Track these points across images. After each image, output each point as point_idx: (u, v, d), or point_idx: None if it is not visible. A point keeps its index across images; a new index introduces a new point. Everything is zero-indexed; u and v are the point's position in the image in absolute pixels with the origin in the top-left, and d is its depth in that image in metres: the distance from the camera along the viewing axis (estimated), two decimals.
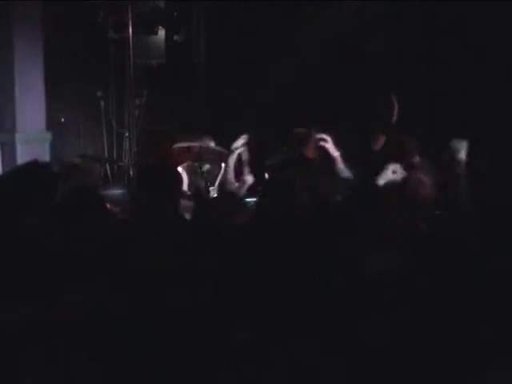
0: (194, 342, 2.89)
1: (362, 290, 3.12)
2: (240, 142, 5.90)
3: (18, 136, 7.70)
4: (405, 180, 4.27)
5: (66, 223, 3.36)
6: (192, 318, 2.96)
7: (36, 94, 7.88)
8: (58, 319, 2.81)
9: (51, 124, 8.13)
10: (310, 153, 6.08)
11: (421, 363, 2.89)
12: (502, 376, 2.88)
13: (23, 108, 7.80)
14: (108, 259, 3.16)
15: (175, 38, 9.59)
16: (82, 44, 8.83)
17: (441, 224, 3.71)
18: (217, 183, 6.39)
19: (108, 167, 8.98)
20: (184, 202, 4.63)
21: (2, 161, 7.67)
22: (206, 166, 6.47)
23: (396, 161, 5.20)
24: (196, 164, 6.44)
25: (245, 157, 5.99)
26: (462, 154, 5.20)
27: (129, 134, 9.16)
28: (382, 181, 4.87)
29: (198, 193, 5.55)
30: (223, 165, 6.26)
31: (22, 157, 7.50)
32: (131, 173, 8.77)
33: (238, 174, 6.03)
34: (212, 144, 6.72)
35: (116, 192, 8.07)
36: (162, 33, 9.36)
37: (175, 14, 9.51)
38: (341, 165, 5.70)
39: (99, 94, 9.19)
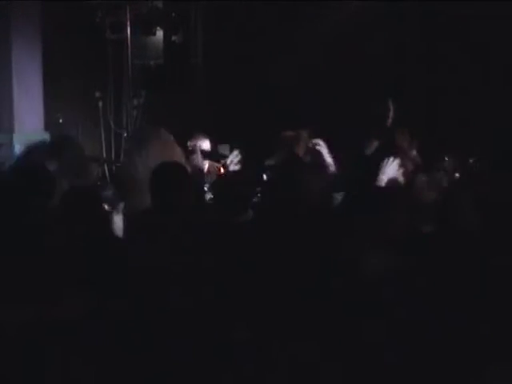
0: (194, 342, 2.88)
1: (362, 290, 3.11)
2: (231, 158, 5.89)
3: (16, 136, 7.69)
4: (409, 182, 4.26)
5: (66, 223, 3.36)
6: (192, 318, 2.95)
7: (34, 95, 7.87)
8: (58, 320, 2.80)
9: (49, 124, 8.12)
10: (301, 153, 6.14)
11: (421, 363, 2.88)
12: (502, 376, 2.88)
13: (21, 108, 7.79)
14: (108, 259, 3.15)
15: (173, 38, 9.59)
16: (80, 44, 8.83)
17: (442, 224, 3.69)
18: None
19: (106, 168, 8.97)
20: None
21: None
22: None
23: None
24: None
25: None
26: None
27: (127, 135, 9.14)
28: (385, 176, 4.81)
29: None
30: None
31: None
32: None
33: None
34: (207, 143, 6.77)
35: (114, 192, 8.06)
36: (160, 33, 9.35)
37: (173, 14, 9.50)
38: (333, 171, 5.72)
39: (97, 94, 9.18)
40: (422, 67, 7.95)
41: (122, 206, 4.69)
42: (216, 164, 6.38)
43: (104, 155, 9.19)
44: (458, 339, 2.93)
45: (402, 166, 4.92)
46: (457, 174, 5.79)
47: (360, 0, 8.21)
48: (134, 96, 9.24)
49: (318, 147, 5.77)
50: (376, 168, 4.87)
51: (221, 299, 3.08)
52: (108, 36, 8.97)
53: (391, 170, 4.81)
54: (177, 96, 9.21)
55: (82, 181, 4.88)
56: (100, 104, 9.20)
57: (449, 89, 7.63)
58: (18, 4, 7.65)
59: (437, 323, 2.97)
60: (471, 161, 6.34)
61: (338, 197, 5.04)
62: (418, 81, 7.89)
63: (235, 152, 5.85)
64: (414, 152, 5.87)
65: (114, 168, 8.97)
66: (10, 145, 7.64)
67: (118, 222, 4.31)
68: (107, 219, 3.55)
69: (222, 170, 6.20)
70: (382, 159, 4.96)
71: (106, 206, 4.32)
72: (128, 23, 8.91)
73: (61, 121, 8.58)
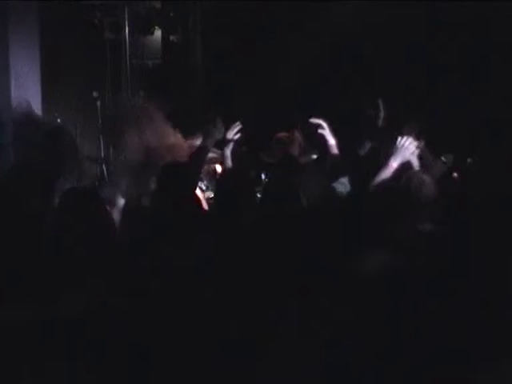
0: (194, 342, 2.89)
1: (361, 290, 3.12)
2: (233, 132, 5.82)
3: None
4: (407, 180, 4.19)
5: (66, 223, 3.36)
6: (192, 317, 2.96)
7: (32, 94, 7.86)
8: (58, 319, 2.80)
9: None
10: (296, 153, 6.13)
11: (420, 363, 2.89)
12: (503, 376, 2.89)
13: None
14: (109, 259, 3.16)
15: (171, 38, 9.61)
16: (78, 44, 8.83)
17: (442, 223, 3.70)
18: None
19: (104, 168, 8.96)
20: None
21: None
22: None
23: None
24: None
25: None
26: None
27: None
28: (396, 162, 4.58)
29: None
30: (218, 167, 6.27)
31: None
32: None
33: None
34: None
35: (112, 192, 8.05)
36: (158, 33, 9.37)
37: (171, 14, 9.52)
38: (336, 152, 5.60)
39: (95, 94, 9.17)
40: (423, 67, 7.95)
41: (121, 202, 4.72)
42: (214, 156, 6.33)
43: (102, 155, 9.19)
44: (457, 338, 2.93)
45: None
46: (455, 174, 5.79)
47: (358, 0, 8.21)
48: (133, 96, 9.24)
49: (320, 129, 5.67)
50: (371, 169, 4.78)
51: (221, 298, 3.09)
52: (106, 36, 8.99)
53: (405, 151, 4.61)
54: (175, 96, 9.21)
55: (77, 175, 4.90)
56: (98, 104, 9.19)
57: (448, 89, 7.64)
58: (16, 4, 7.64)
59: (437, 321, 2.97)
60: (469, 160, 6.35)
61: (338, 186, 5.02)
62: (418, 81, 7.89)
63: (236, 124, 5.75)
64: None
65: (112, 168, 8.98)
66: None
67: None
68: (108, 219, 3.55)
69: (220, 168, 6.20)
70: (377, 160, 4.86)
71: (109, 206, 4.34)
72: (126, 23, 8.92)
73: (59, 121, 8.57)
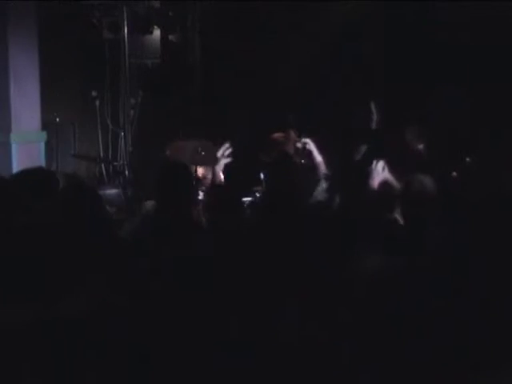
0: (194, 341, 2.89)
1: (359, 289, 3.12)
2: (223, 151, 5.88)
3: (13, 136, 7.68)
4: (407, 183, 4.24)
5: (66, 222, 3.37)
6: (192, 317, 2.96)
7: (31, 94, 7.86)
8: (59, 319, 2.80)
9: (46, 124, 8.11)
10: (291, 152, 6.18)
11: (417, 362, 2.89)
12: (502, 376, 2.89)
13: (18, 108, 7.78)
14: (109, 258, 3.16)
15: (170, 37, 9.60)
16: (77, 44, 8.83)
17: (440, 222, 3.70)
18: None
19: (103, 167, 8.97)
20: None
21: None
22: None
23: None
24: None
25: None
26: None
27: (124, 134, 9.14)
28: (375, 181, 4.84)
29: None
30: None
31: (18, 157, 7.50)
32: (126, 173, 8.76)
33: None
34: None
35: (111, 192, 8.07)
36: (157, 33, 9.36)
37: (170, 13, 9.51)
38: (324, 170, 5.71)
39: (94, 93, 9.17)
40: (420, 67, 7.95)
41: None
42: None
43: (101, 155, 9.19)
44: (454, 338, 2.93)
45: (388, 165, 4.92)
46: (454, 173, 5.80)
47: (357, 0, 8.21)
48: (131, 95, 9.25)
49: (307, 146, 5.77)
50: (366, 172, 4.87)
51: (221, 297, 3.09)
52: (105, 35, 8.97)
53: (378, 173, 4.82)
54: (174, 95, 9.21)
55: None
56: (97, 103, 9.19)
57: (447, 88, 7.63)
58: (14, 4, 7.64)
59: (435, 322, 2.97)
60: (468, 160, 6.35)
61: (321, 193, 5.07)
62: (417, 81, 7.89)
63: (226, 145, 5.83)
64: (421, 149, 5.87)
65: (111, 168, 8.99)
66: (7, 144, 7.64)
67: None
68: (108, 218, 3.56)
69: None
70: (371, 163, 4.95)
71: (109, 206, 4.35)
72: (125, 23, 8.92)
73: (58, 120, 8.57)
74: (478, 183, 4.98)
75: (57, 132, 8.48)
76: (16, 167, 7.23)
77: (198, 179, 6.12)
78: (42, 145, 7.95)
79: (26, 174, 3.94)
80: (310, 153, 5.74)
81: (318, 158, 5.70)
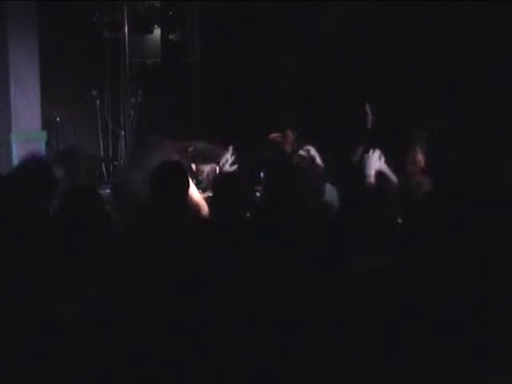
0: (194, 342, 2.90)
1: (358, 288, 3.12)
2: (226, 158, 5.88)
3: (13, 135, 7.69)
4: (404, 184, 4.24)
5: (67, 222, 3.38)
6: (192, 317, 2.97)
7: (31, 93, 7.86)
8: (60, 320, 2.81)
9: (47, 123, 8.12)
10: (289, 151, 6.20)
11: (415, 362, 2.89)
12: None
13: (18, 107, 7.79)
14: (109, 258, 3.17)
15: (170, 37, 9.62)
16: (77, 43, 8.84)
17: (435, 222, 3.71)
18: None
19: (104, 166, 8.98)
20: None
21: None
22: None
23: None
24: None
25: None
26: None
27: (124, 133, 9.16)
28: (371, 171, 4.77)
29: None
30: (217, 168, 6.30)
31: (19, 156, 7.50)
32: None
33: None
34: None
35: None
36: (157, 32, 9.37)
37: (170, 13, 9.52)
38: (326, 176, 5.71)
39: (94, 93, 9.19)
40: (418, 67, 7.95)
41: None
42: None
43: (101, 154, 9.21)
44: (451, 337, 2.94)
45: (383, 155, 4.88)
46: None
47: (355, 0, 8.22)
48: (132, 95, 9.26)
49: (311, 152, 5.79)
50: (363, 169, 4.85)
51: (218, 296, 3.10)
52: (105, 35, 8.99)
53: (373, 162, 4.78)
54: (174, 94, 9.23)
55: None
56: (97, 103, 9.20)
57: (447, 89, 7.64)
58: (14, 3, 7.65)
59: (431, 320, 2.98)
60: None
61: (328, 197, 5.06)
62: (416, 81, 7.89)
63: (230, 151, 5.82)
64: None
65: (111, 167, 9.01)
66: (8, 144, 7.65)
67: None
68: (108, 218, 3.56)
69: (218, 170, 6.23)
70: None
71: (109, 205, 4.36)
72: (125, 22, 8.93)
73: (58, 119, 8.59)
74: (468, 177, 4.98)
75: (57, 131, 8.50)
76: None
77: (195, 173, 6.13)
78: (43, 144, 7.95)
79: (24, 169, 3.93)
80: (313, 159, 5.76)
81: (321, 164, 5.72)
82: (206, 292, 3.10)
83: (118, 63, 9.14)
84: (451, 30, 7.57)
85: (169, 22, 9.49)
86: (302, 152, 5.85)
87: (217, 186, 4.24)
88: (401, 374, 2.85)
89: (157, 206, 3.92)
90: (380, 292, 3.02)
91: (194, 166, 6.37)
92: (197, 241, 3.54)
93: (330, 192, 5.04)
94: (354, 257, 3.28)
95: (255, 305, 3.08)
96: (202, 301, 3.03)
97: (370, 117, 6.16)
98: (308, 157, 5.78)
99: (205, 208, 4.61)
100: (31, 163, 3.85)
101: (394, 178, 4.70)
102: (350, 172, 5.08)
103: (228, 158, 5.72)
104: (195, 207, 4.48)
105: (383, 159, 4.75)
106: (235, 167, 5.73)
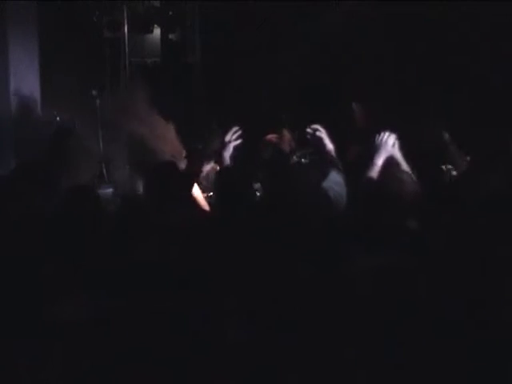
0: (194, 341, 2.90)
1: (357, 288, 3.13)
2: (231, 134, 5.77)
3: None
4: (385, 180, 4.13)
5: (65, 222, 3.38)
6: (192, 316, 2.97)
7: (31, 93, 7.88)
8: (60, 320, 2.82)
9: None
10: (287, 150, 6.19)
11: (414, 361, 2.89)
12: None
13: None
14: (110, 258, 3.17)
15: (170, 36, 9.62)
16: (77, 43, 8.84)
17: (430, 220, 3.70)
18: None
19: (103, 166, 8.97)
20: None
21: None
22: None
23: None
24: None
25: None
26: None
27: None
28: (380, 159, 4.56)
29: None
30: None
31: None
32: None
33: None
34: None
35: (111, 191, 8.08)
36: (157, 31, 9.38)
37: (170, 12, 9.53)
38: (334, 157, 5.52)
39: (94, 92, 9.17)
40: (418, 67, 7.96)
41: None
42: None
43: (101, 154, 9.19)
44: (450, 337, 2.94)
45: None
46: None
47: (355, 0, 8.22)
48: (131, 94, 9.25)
49: (318, 133, 5.58)
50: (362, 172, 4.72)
51: (219, 296, 3.10)
52: (105, 34, 8.99)
53: (387, 147, 4.61)
54: (174, 94, 9.22)
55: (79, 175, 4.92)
56: (97, 103, 9.19)
57: (446, 89, 7.64)
58: (14, 3, 7.66)
59: (431, 320, 2.98)
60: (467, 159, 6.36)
61: (334, 186, 4.98)
62: (416, 80, 7.90)
63: (234, 128, 5.66)
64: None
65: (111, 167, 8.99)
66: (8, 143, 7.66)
67: None
68: (102, 216, 3.57)
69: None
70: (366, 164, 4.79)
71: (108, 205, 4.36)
72: (125, 22, 8.94)
73: (58, 119, 8.58)
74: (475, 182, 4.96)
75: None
76: None
77: (193, 173, 6.12)
78: None
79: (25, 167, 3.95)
80: (320, 139, 5.50)
81: (329, 145, 5.44)
82: (206, 292, 3.10)
83: (118, 63, 9.13)
84: (451, 30, 7.57)
85: (169, 21, 9.49)
86: (308, 130, 5.63)
87: (217, 184, 4.25)
88: (401, 374, 2.85)
89: (157, 205, 3.93)
90: (380, 292, 3.02)
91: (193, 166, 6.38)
92: (197, 240, 3.54)
93: (335, 179, 4.93)
94: (353, 257, 3.28)
95: (256, 304, 3.08)
96: (202, 300, 3.03)
97: (359, 115, 6.13)
98: (313, 137, 5.54)
99: (205, 207, 4.61)
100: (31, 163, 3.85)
101: (405, 165, 4.52)
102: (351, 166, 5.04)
103: (232, 134, 5.57)
104: (196, 206, 4.49)
105: (397, 145, 4.57)
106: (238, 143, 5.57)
